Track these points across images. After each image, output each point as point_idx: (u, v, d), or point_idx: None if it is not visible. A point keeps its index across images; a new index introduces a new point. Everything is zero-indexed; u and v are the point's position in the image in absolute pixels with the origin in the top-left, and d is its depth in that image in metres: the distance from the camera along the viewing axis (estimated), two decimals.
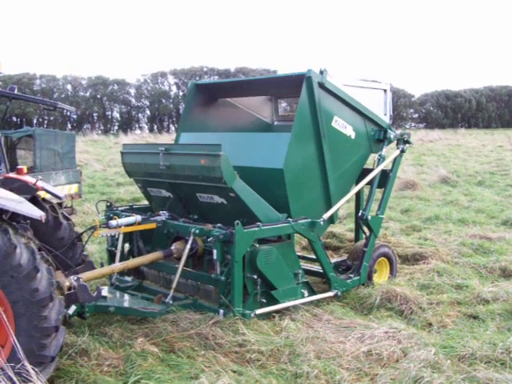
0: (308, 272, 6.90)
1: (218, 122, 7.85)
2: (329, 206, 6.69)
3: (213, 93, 7.86)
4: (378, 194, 7.28)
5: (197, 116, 7.71)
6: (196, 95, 7.69)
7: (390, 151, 7.46)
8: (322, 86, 6.40)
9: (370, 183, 7.18)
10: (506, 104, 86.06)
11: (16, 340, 3.92)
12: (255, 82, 7.71)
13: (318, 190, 6.62)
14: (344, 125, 6.77)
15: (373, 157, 7.37)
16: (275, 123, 8.30)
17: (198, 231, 5.91)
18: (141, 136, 47.81)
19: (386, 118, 7.34)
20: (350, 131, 6.85)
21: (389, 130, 7.24)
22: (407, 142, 7.52)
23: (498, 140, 40.94)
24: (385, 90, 7.55)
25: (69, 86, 74.24)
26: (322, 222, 6.45)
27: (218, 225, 5.87)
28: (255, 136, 7.26)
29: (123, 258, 6.63)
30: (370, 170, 7.26)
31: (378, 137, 7.20)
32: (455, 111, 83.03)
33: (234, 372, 4.73)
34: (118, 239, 6.53)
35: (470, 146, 34.97)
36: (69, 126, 70.67)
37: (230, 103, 8.06)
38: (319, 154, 6.51)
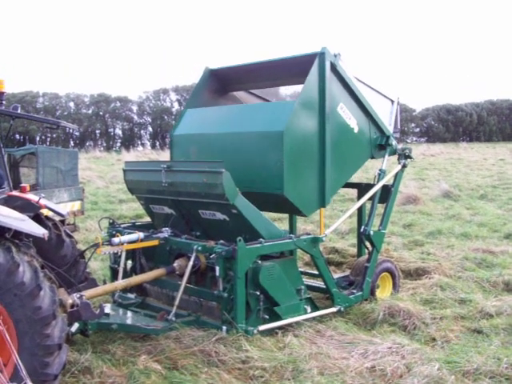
0: (311, 288, 6.89)
1: None
2: (322, 191, 6.54)
3: (225, 82, 7.81)
4: (379, 208, 7.28)
5: (205, 100, 7.66)
6: (208, 81, 7.68)
7: (392, 166, 7.49)
8: (333, 68, 6.43)
9: (371, 198, 7.19)
10: (507, 117, 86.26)
11: (18, 358, 3.91)
12: (268, 65, 7.35)
13: (313, 170, 6.46)
14: (349, 115, 6.75)
15: (373, 172, 7.38)
16: None
17: (200, 248, 5.92)
18: (143, 153, 47.98)
19: (390, 128, 7.36)
20: (353, 124, 6.82)
21: (391, 137, 7.26)
22: (408, 156, 7.54)
23: (499, 153, 40.99)
24: (392, 101, 7.58)
25: (71, 104, 74.78)
26: (324, 238, 6.47)
27: (221, 241, 5.88)
28: (260, 105, 7.15)
29: (126, 275, 6.63)
30: (371, 186, 7.27)
31: (380, 142, 7.18)
32: (456, 125, 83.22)
33: None
34: (120, 256, 6.53)
35: (471, 159, 35.00)
36: (71, 143, 70.99)
37: (240, 101, 8.05)
38: (321, 131, 6.44)
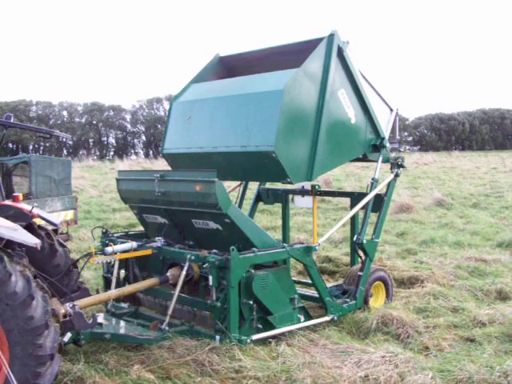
0: (304, 297, 6.89)
1: None
2: (312, 163, 6.41)
3: (233, 71, 7.72)
4: (373, 217, 7.30)
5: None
6: (216, 68, 7.64)
7: (385, 175, 7.51)
8: (340, 53, 6.46)
9: (364, 207, 7.20)
10: (498, 126, 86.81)
11: (10, 370, 3.88)
12: (278, 50, 7.29)
13: (306, 139, 6.36)
14: (348, 104, 6.74)
15: (366, 181, 7.37)
16: None
17: (193, 257, 5.91)
18: (136, 161, 47.85)
19: (386, 133, 7.38)
20: (351, 114, 6.81)
21: (385, 139, 7.27)
22: (401, 165, 7.56)
23: (491, 162, 41.19)
24: (391, 110, 7.60)
25: (65, 113, 74.53)
26: (317, 248, 6.47)
27: (214, 251, 5.88)
28: (264, 75, 7.14)
29: (119, 284, 6.62)
30: (364, 195, 7.29)
31: (375, 142, 7.18)
32: (449, 134, 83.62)
33: None
34: (113, 266, 6.51)
35: (464, 168, 35.16)
36: (65, 152, 70.71)
37: None
38: (319, 106, 6.38)
